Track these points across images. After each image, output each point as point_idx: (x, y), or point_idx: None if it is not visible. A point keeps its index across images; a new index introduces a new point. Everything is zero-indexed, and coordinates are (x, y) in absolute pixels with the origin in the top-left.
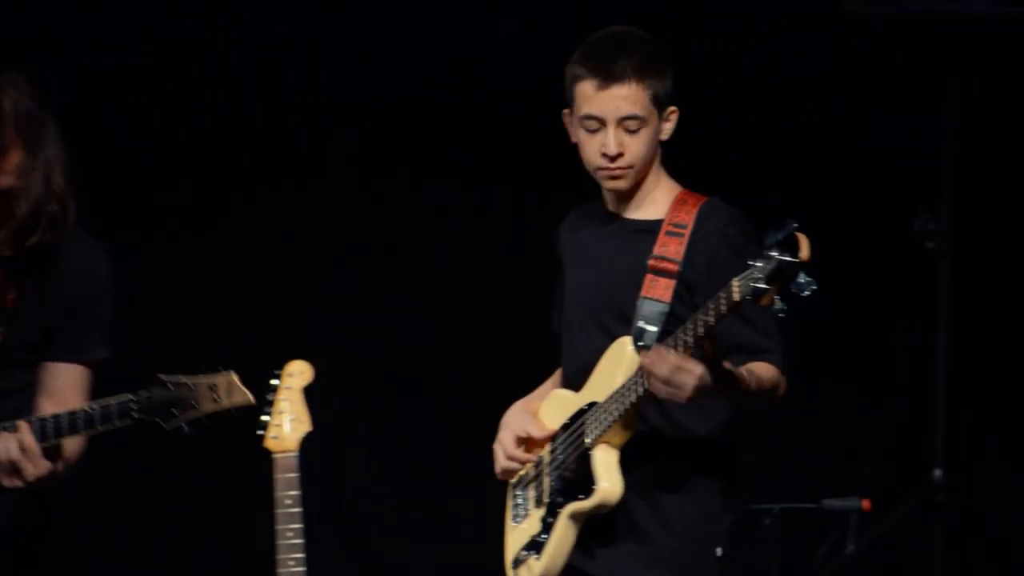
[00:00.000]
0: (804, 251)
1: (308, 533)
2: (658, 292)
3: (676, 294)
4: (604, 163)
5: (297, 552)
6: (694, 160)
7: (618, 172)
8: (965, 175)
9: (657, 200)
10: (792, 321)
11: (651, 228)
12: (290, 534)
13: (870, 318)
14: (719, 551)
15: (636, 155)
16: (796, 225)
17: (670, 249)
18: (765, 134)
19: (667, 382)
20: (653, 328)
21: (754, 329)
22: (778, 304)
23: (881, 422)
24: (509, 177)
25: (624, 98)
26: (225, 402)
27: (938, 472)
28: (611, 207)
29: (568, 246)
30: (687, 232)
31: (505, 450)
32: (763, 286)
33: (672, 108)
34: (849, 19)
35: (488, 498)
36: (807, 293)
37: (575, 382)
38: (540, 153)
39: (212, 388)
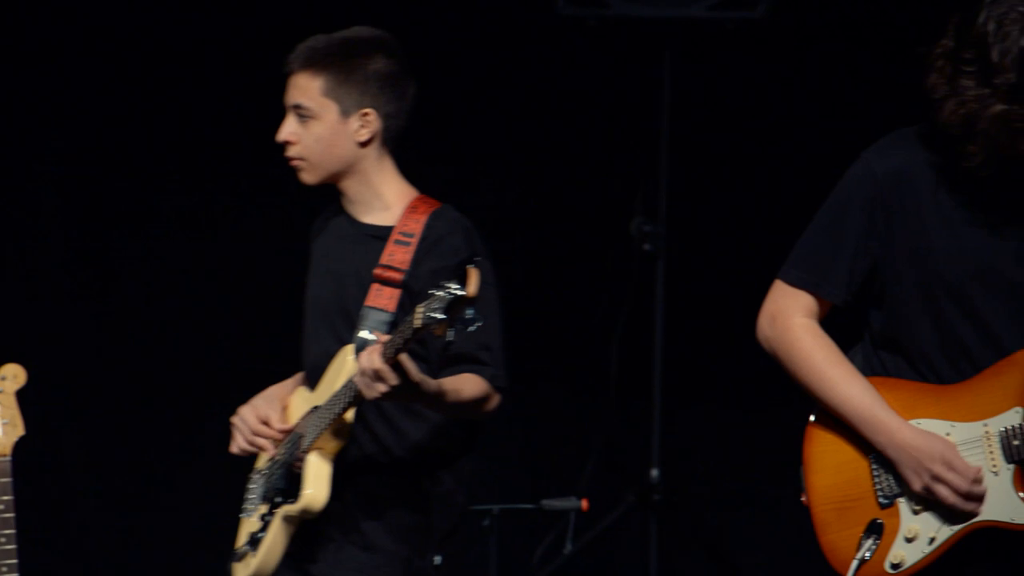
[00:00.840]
0: (471, 286)
1: (22, 538)
2: (383, 301)
3: (400, 304)
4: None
5: (10, 558)
6: (416, 164)
7: (292, 162)
8: (680, 178)
9: (389, 205)
10: (511, 322)
11: (382, 234)
12: (2, 539)
13: (588, 319)
14: (438, 560)
15: (307, 148)
16: (479, 259)
17: (396, 258)
18: (484, 137)
19: (363, 377)
20: (375, 338)
21: (474, 342)
22: (449, 336)
23: (598, 422)
24: None
25: (294, 86)
26: None
27: (655, 472)
28: (348, 210)
29: (313, 245)
30: (414, 241)
31: (245, 426)
32: (439, 316)
33: (366, 111)
34: (563, 22)
35: (209, 499)
36: (472, 328)
37: (310, 383)
38: None
39: None
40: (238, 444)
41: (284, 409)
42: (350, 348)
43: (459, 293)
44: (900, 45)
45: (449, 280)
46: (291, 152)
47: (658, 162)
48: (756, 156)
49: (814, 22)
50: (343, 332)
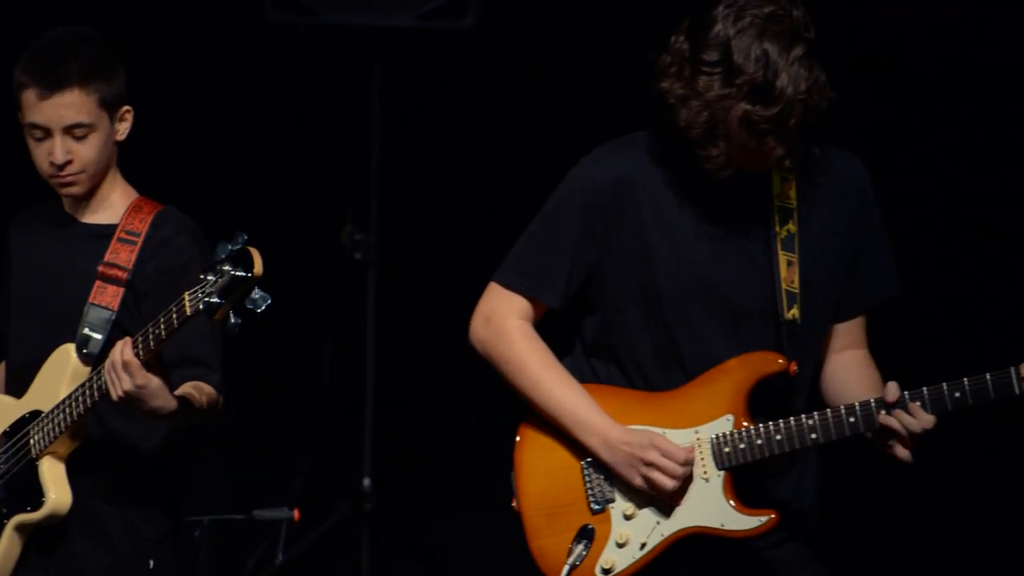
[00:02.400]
0: (257, 266)
1: None
2: (106, 299)
3: (124, 302)
4: (54, 171)
5: None
6: (138, 166)
7: (69, 179)
8: (392, 187)
9: (114, 204)
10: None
11: (106, 233)
12: None
13: (299, 328)
14: (152, 563)
15: (87, 160)
16: (246, 238)
17: (121, 256)
18: (193, 143)
19: (113, 373)
20: (99, 335)
21: (201, 344)
22: (232, 319)
23: (311, 432)
24: None
25: (68, 106)
26: None
27: (367, 481)
28: (68, 209)
29: (18, 246)
30: (140, 240)
31: None
32: (216, 300)
33: (126, 108)
34: (273, 30)
35: None
36: (263, 308)
37: (17, 387)
38: None
39: None
40: None
41: None
42: (70, 347)
43: (243, 274)
44: (615, 50)
45: (223, 263)
46: (70, 170)
47: (369, 170)
48: (467, 164)
49: (524, 31)
50: (61, 333)
